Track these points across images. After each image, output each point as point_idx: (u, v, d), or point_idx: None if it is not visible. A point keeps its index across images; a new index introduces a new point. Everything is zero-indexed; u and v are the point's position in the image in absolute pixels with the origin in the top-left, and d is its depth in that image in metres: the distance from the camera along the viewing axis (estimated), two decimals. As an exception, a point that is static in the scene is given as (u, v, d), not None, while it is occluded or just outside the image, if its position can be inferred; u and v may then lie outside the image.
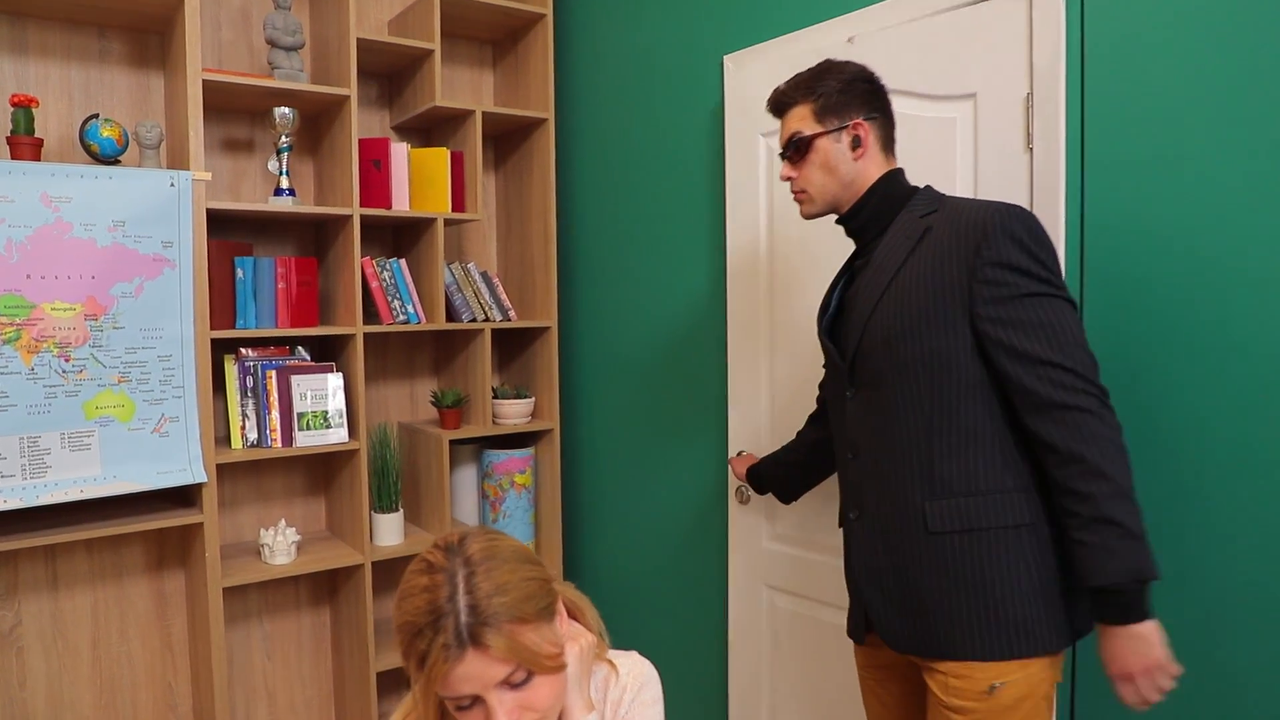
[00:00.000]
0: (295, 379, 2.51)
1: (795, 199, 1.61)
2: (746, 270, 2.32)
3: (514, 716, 1.00)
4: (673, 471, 2.63)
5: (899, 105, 1.64)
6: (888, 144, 1.57)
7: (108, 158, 2.28)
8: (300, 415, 2.51)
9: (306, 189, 2.78)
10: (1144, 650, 1.28)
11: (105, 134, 2.27)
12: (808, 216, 1.62)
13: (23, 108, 2.18)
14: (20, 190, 2.06)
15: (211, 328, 2.34)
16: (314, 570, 2.54)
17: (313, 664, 2.86)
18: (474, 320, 2.79)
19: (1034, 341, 1.34)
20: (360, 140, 2.57)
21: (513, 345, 3.12)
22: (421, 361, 3.05)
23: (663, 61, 2.59)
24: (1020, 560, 1.38)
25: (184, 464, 2.29)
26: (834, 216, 1.62)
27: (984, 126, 1.79)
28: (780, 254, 2.22)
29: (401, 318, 2.65)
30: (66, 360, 2.13)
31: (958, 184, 1.83)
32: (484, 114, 2.77)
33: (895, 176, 1.56)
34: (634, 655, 1.26)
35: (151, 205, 2.22)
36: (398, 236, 2.93)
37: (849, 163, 1.53)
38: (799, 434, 1.97)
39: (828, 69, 1.56)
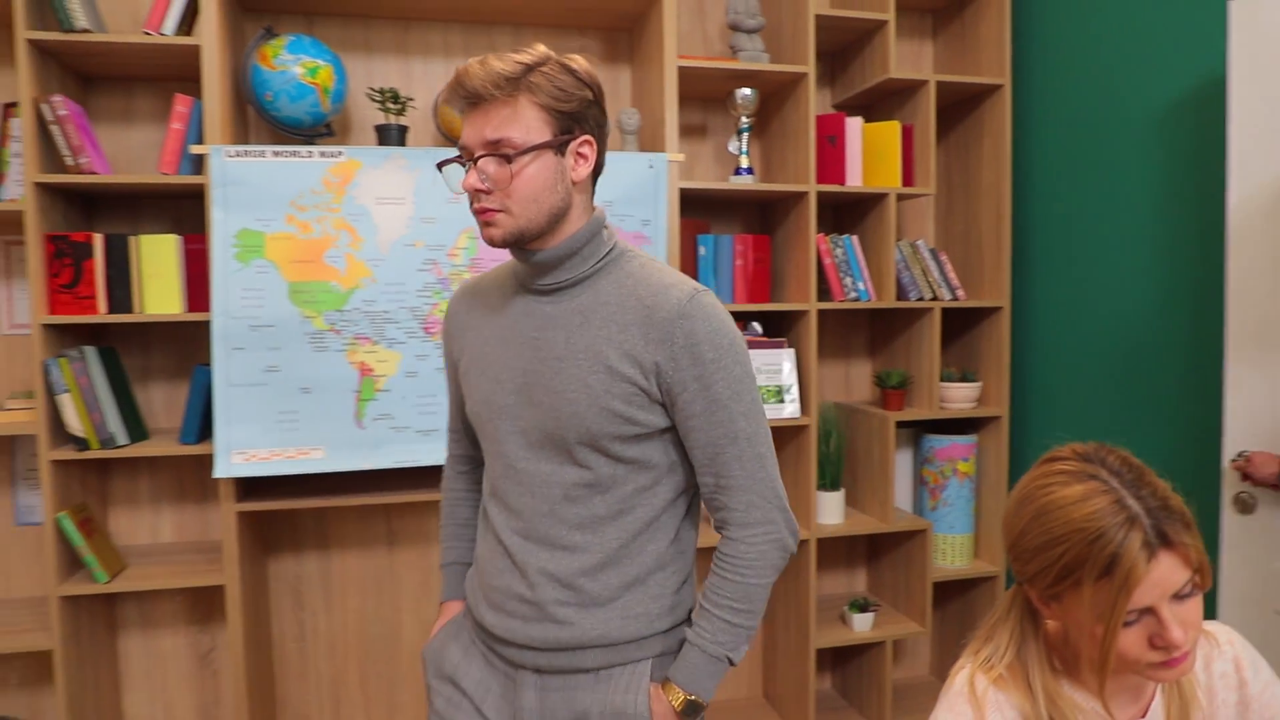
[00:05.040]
0: (751, 354, 2.56)
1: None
2: (1254, 239, 1.97)
3: (1185, 633, 0.93)
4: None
5: None
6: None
7: (594, 145, 2.48)
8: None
9: (755, 168, 2.84)
10: None
11: (593, 123, 2.46)
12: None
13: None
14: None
15: (679, 302, 2.46)
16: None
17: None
18: (922, 299, 2.68)
19: None
20: (817, 117, 2.56)
21: (954, 326, 2.97)
22: (857, 342, 2.99)
23: (1146, 13, 2.30)
24: None
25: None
26: None
27: None
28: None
29: (852, 295, 2.61)
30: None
31: None
32: (936, 83, 2.65)
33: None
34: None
35: (632, 186, 2.37)
36: (838, 213, 2.90)
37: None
38: None
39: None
